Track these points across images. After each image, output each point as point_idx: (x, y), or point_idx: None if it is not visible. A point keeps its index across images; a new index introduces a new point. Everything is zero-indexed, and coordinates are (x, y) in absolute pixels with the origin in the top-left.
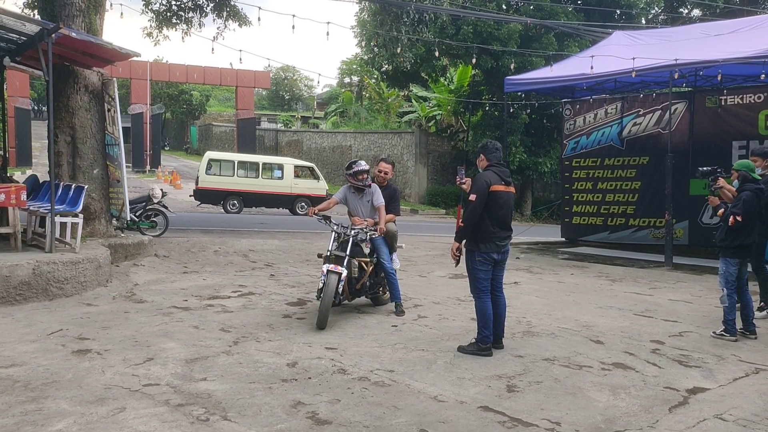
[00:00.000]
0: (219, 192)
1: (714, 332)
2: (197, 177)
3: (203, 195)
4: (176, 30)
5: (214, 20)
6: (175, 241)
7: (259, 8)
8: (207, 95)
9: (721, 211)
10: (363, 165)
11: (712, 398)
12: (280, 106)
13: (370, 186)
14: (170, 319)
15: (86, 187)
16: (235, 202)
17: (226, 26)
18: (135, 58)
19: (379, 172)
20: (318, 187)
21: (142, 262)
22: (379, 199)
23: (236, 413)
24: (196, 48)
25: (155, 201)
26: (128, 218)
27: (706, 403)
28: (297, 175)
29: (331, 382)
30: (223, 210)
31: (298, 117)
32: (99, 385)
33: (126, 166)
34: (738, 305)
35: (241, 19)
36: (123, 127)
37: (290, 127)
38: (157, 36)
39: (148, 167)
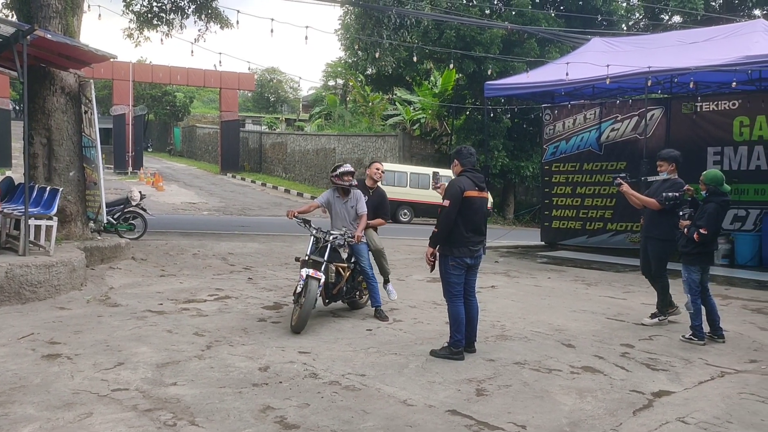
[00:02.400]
0: (391, 202)
1: (683, 336)
2: None
3: None
4: (157, 31)
5: (195, 22)
6: (154, 244)
7: (238, 11)
8: (191, 97)
9: (686, 230)
10: (348, 167)
11: (676, 401)
12: (265, 108)
13: (356, 186)
14: (144, 323)
15: (61, 189)
16: (407, 211)
17: (207, 28)
18: (117, 59)
19: (377, 170)
20: None
21: (119, 265)
22: (363, 208)
23: (204, 418)
24: (181, 49)
25: (134, 203)
26: (105, 221)
27: (670, 406)
28: None
29: (301, 387)
30: (392, 220)
31: (282, 119)
32: (67, 389)
33: (107, 168)
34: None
35: (223, 21)
36: (105, 128)
37: (274, 130)
38: (138, 37)
39: (130, 169)
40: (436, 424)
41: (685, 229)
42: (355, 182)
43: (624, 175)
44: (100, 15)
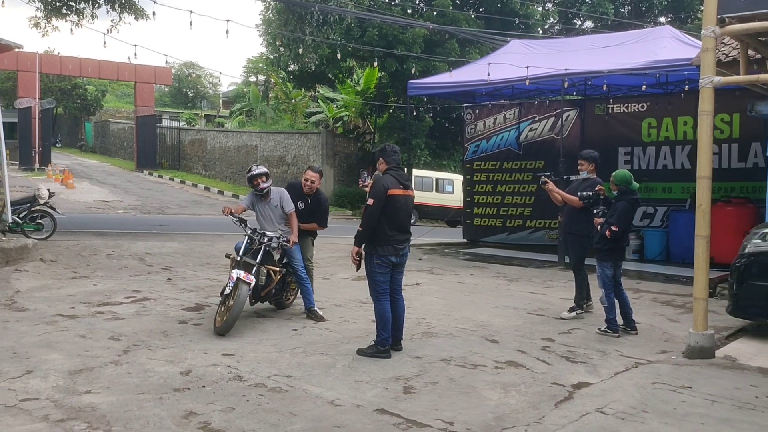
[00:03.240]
0: None
1: (599, 329)
2: None
3: None
4: (66, 21)
5: (108, 12)
6: (64, 245)
7: (154, 2)
8: (103, 90)
9: (599, 227)
10: (259, 169)
11: (595, 392)
12: (183, 103)
13: (269, 188)
14: (54, 328)
15: None
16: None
17: (121, 19)
18: (23, 49)
19: (305, 180)
20: None
21: (26, 267)
22: (290, 205)
23: (122, 427)
24: (93, 41)
25: (41, 202)
26: (10, 220)
27: (589, 398)
28: None
29: (226, 390)
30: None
31: (201, 115)
32: None
33: (11, 165)
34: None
35: (138, 12)
36: (9, 122)
37: (193, 126)
38: (46, 27)
39: (37, 165)
40: (365, 423)
41: (599, 227)
42: (268, 183)
43: (549, 173)
44: (3, 2)
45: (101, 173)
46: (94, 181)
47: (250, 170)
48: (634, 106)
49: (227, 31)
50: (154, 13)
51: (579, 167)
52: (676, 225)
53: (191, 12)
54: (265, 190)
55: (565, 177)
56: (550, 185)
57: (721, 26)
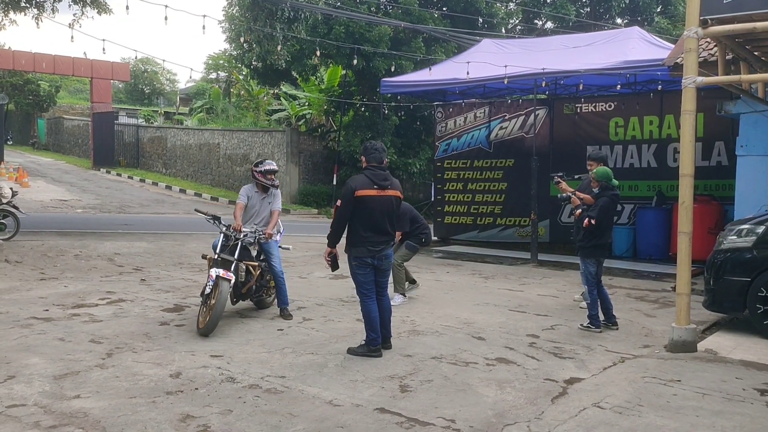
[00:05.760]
0: None
1: (581, 325)
2: None
3: None
4: (25, 14)
5: (69, 6)
6: (29, 245)
7: None
8: (57, 86)
9: (578, 211)
10: (272, 165)
11: (588, 387)
12: (139, 100)
13: (276, 187)
14: (30, 332)
15: None
16: None
17: (83, 13)
18: None
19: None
20: None
21: None
22: (278, 205)
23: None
24: (48, 35)
25: (4, 201)
26: None
27: (584, 393)
28: None
29: (220, 392)
30: None
31: (161, 112)
32: None
33: None
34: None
35: (100, 7)
36: None
37: (152, 123)
38: (3, 20)
39: None
40: (367, 423)
41: (578, 211)
42: (277, 182)
43: (562, 174)
44: None
45: (56, 171)
46: (49, 180)
47: (262, 164)
48: (602, 105)
49: (204, 27)
50: (127, 8)
51: (588, 167)
52: (643, 222)
53: (166, 7)
54: (275, 185)
55: (576, 176)
56: (563, 185)
57: (703, 27)
